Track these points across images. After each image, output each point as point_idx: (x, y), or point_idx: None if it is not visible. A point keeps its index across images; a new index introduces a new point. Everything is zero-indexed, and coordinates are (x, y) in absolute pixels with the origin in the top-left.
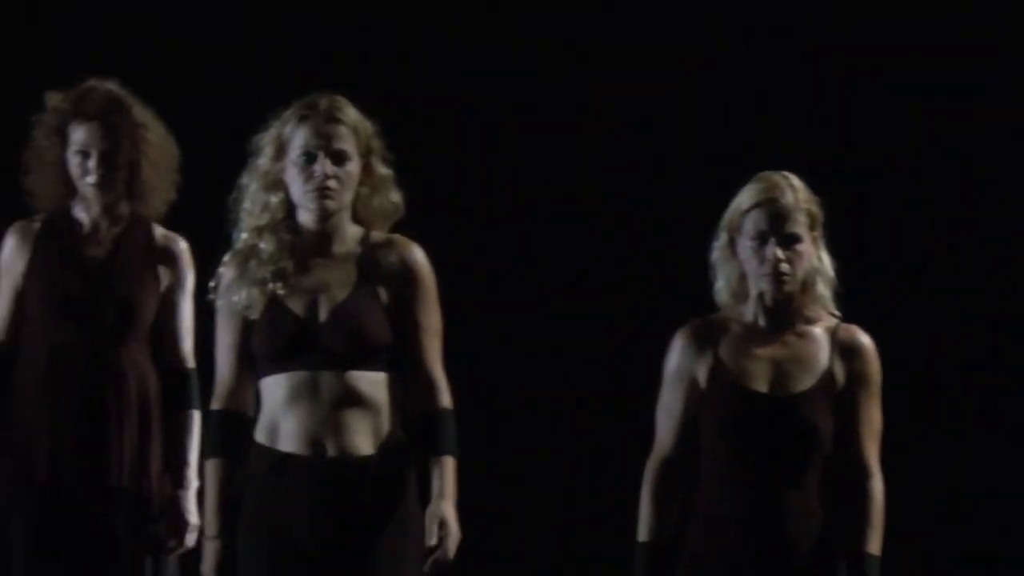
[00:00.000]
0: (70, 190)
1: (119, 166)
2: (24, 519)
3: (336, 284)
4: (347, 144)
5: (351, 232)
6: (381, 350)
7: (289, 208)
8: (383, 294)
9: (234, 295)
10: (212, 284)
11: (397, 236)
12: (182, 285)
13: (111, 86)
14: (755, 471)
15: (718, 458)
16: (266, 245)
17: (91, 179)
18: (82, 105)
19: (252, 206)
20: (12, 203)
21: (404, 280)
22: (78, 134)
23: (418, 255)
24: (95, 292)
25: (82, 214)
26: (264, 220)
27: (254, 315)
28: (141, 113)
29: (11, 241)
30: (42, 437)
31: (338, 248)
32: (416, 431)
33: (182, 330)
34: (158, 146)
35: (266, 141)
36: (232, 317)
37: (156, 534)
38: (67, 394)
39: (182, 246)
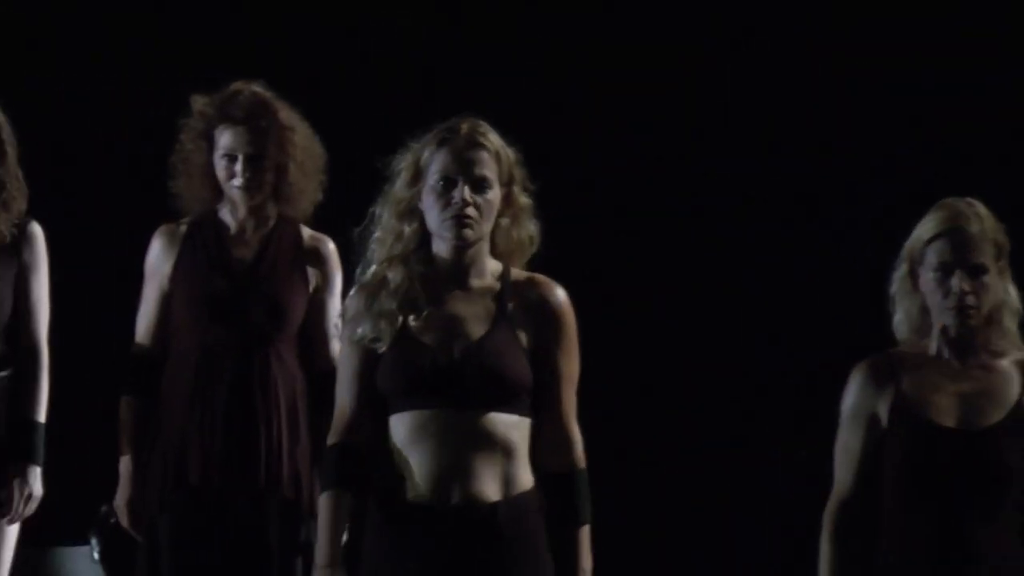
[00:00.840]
0: (217, 193)
1: (266, 169)
2: (175, 522)
3: (472, 319)
4: (489, 171)
5: (490, 265)
6: (518, 392)
7: (424, 237)
8: (522, 335)
9: (360, 326)
10: (339, 315)
11: (539, 275)
12: (330, 286)
13: (257, 88)
14: (945, 510)
15: (904, 498)
16: (397, 275)
17: (238, 182)
18: (228, 108)
19: (384, 235)
20: (160, 207)
21: (546, 322)
22: (225, 138)
23: (561, 297)
24: (243, 294)
25: (229, 217)
26: (397, 250)
27: (382, 348)
28: (287, 115)
29: (157, 244)
30: (193, 440)
31: (475, 281)
32: (548, 488)
33: (330, 332)
34: (304, 148)
35: (402, 166)
36: (358, 349)
37: (306, 536)
38: (216, 396)
39: (330, 247)
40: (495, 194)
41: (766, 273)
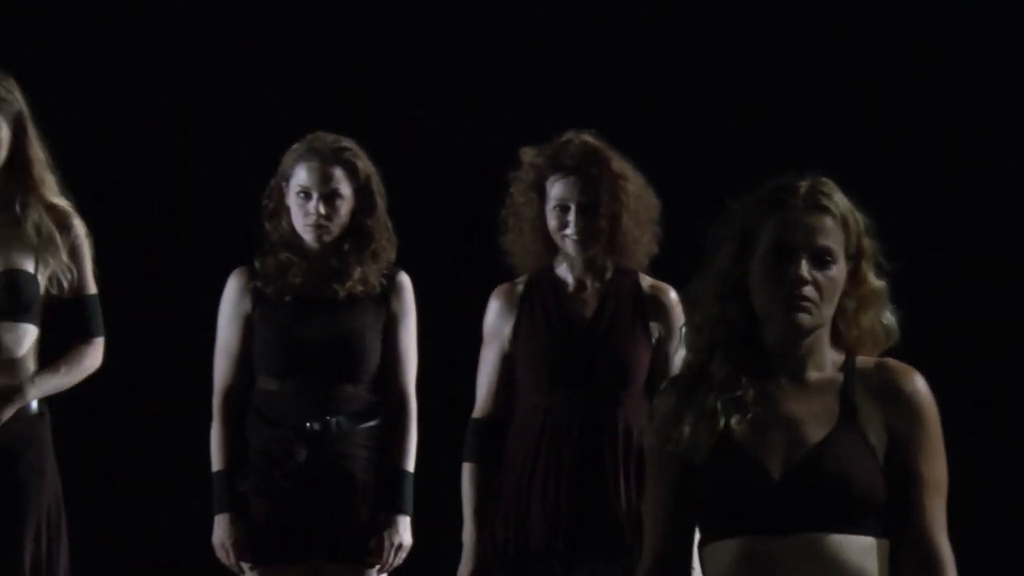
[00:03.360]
0: (550, 247)
1: (599, 218)
2: None
3: (809, 421)
4: (833, 241)
5: (830, 356)
6: (870, 508)
7: (751, 321)
8: (873, 437)
9: (673, 431)
10: (646, 417)
11: (891, 361)
12: (673, 337)
13: (587, 137)
14: None
15: None
16: (719, 367)
17: (571, 233)
18: (559, 158)
19: (704, 317)
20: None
21: (903, 420)
22: (556, 188)
23: (920, 386)
24: (585, 352)
25: (565, 272)
26: (719, 336)
27: (699, 458)
28: (619, 164)
29: (495, 305)
30: (536, 504)
31: (813, 375)
32: None
33: None
34: (637, 196)
35: (726, 234)
36: (668, 460)
37: None
38: (562, 459)
39: (672, 297)
40: (840, 270)
41: None
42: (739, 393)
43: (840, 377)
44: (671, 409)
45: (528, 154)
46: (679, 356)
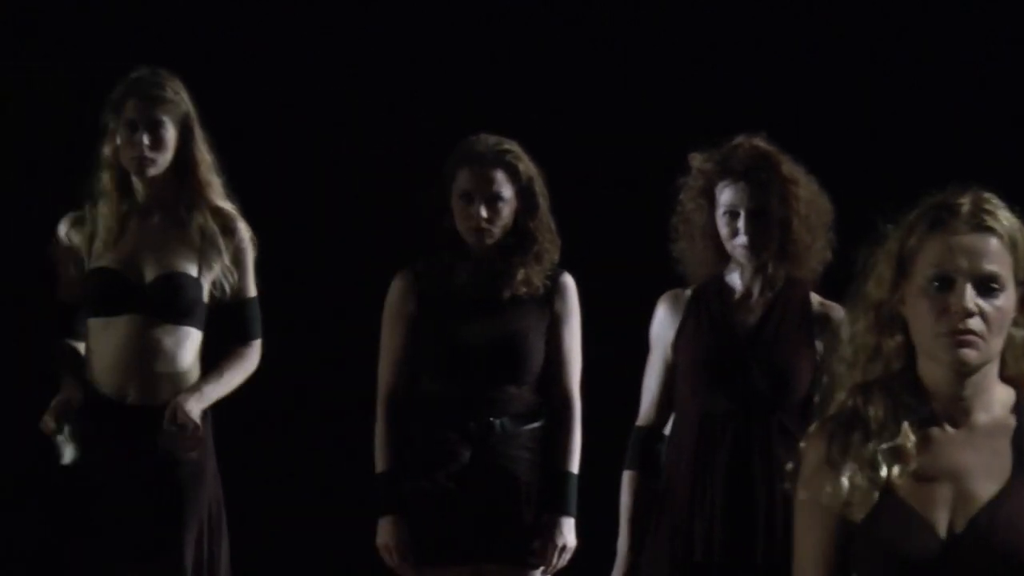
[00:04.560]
0: (721, 255)
1: (770, 224)
2: None
3: (979, 473)
4: (1000, 266)
5: (999, 395)
6: None
7: (909, 357)
8: None
9: (826, 483)
10: (788, 468)
11: None
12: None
13: (758, 141)
14: None
15: None
16: (876, 411)
17: (741, 240)
18: (728, 163)
19: (856, 352)
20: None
21: None
22: (726, 194)
23: None
24: (744, 359)
25: (736, 279)
26: (874, 372)
27: (858, 515)
28: (790, 168)
29: (661, 310)
30: (697, 514)
31: (981, 418)
32: None
33: None
34: (809, 202)
35: (879, 256)
36: (823, 515)
37: None
38: (715, 468)
39: (841, 316)
40: (1008, 298)
41: None
42: (899, 440)
43: (1012, 420)
44: (822, 457)
45: (697, 160)
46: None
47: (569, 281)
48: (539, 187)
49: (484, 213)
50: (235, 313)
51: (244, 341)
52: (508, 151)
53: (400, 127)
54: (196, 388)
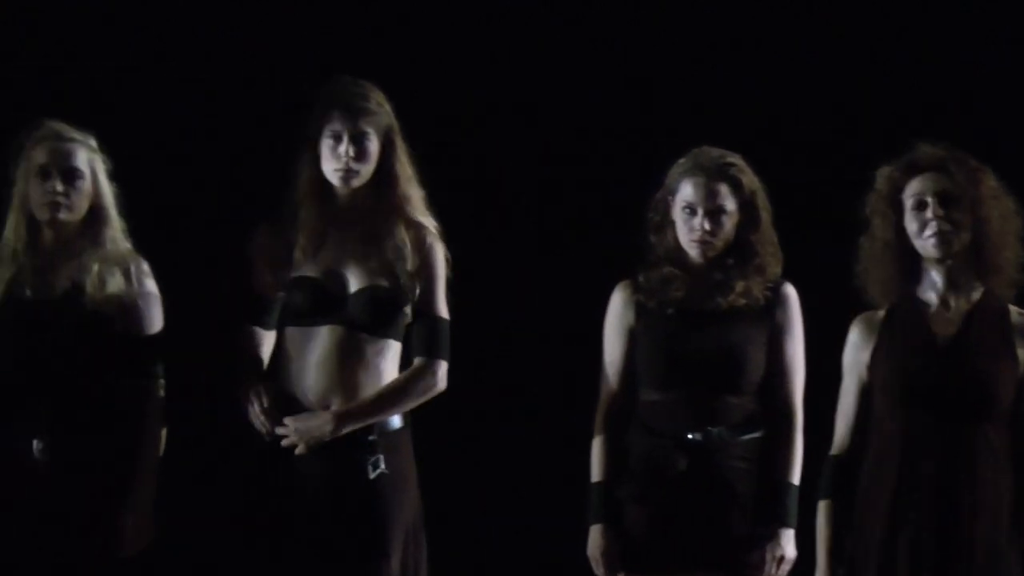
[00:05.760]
0: (908, 272)
1: (960, 210)
2: None
3: None
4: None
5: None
6: None
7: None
8: None
9: None
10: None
11: None
12: None
13: (942, 147)
14: None
15: None
16: None
17: (931, 229)
18: (913, 161)
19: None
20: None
21: None
22: (912, 186)
23: None
24: (945, 371)
25: (929, 294)
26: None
27: None
28: (976, 165)
29: (855, 333)
30: (900, 531)
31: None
32: None
33: None
34: (1001, 203)
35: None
36: None
37: None
38: (920, 486)
39: None
40: None
41: None
42: None
43: None
44: None
45: (883, 171)
46: None
47: (791, 291)
48: (761, 200)
49: (707, 226)
50: (424, 330)
51: (430, 361)
52: (732, 164)
53: (618, 138)
54: (354, 410)
